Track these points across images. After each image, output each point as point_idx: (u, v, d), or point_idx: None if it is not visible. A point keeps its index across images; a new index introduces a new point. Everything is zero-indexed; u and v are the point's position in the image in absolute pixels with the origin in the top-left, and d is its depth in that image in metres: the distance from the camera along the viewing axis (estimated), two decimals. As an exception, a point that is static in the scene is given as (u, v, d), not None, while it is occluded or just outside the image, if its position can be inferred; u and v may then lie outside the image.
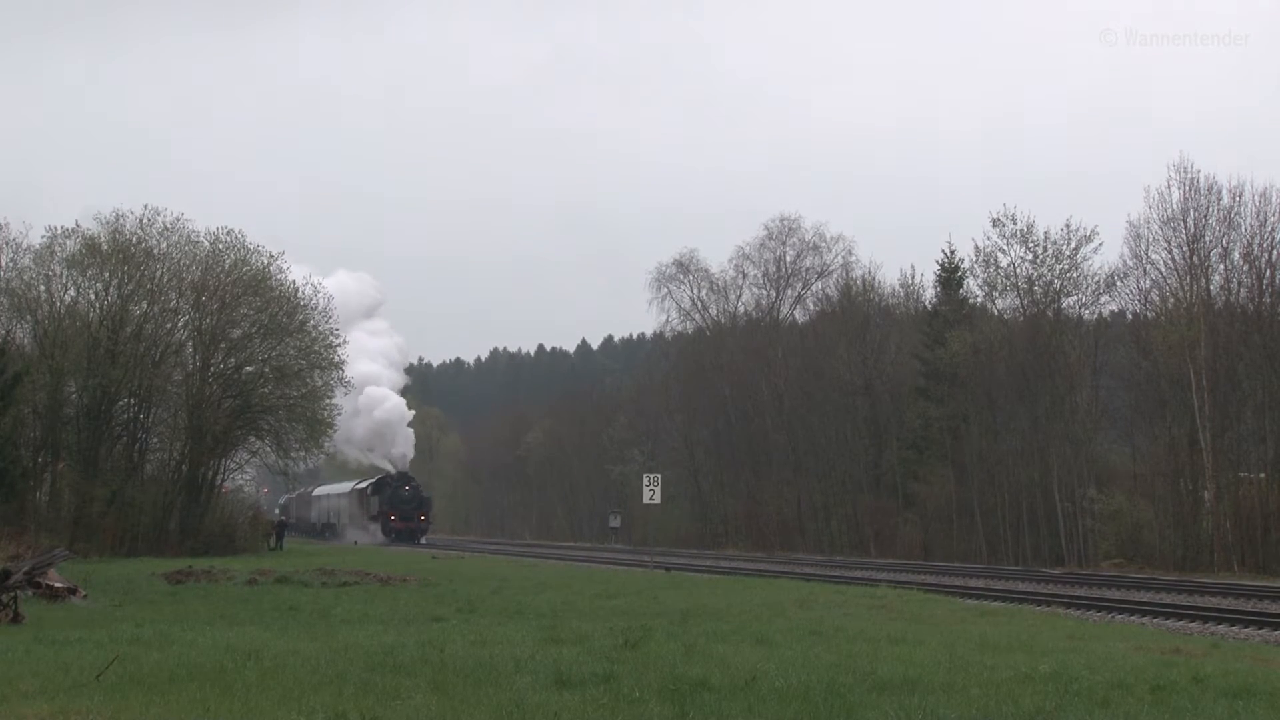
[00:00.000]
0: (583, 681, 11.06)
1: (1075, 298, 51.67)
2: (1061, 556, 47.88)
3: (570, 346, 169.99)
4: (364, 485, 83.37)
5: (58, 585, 21.24)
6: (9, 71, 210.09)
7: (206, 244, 51.24)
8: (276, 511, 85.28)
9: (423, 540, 74.90)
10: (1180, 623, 21.54)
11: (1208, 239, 44.42)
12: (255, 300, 51.56)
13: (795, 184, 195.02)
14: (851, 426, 64.34)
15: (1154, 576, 36.44)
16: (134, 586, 25.92)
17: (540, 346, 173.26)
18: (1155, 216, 45.02)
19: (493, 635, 15.30)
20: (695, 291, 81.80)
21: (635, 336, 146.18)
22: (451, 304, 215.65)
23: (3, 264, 48.13)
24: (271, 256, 52.43)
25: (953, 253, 59.89)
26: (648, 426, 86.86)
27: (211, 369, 51.84)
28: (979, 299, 57.65)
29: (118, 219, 49.78)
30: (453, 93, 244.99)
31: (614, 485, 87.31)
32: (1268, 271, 43.51)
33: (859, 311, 66.02)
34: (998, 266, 53.01)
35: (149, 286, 49.56)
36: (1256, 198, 43.38)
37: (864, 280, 69.73)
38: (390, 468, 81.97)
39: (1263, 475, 42.78)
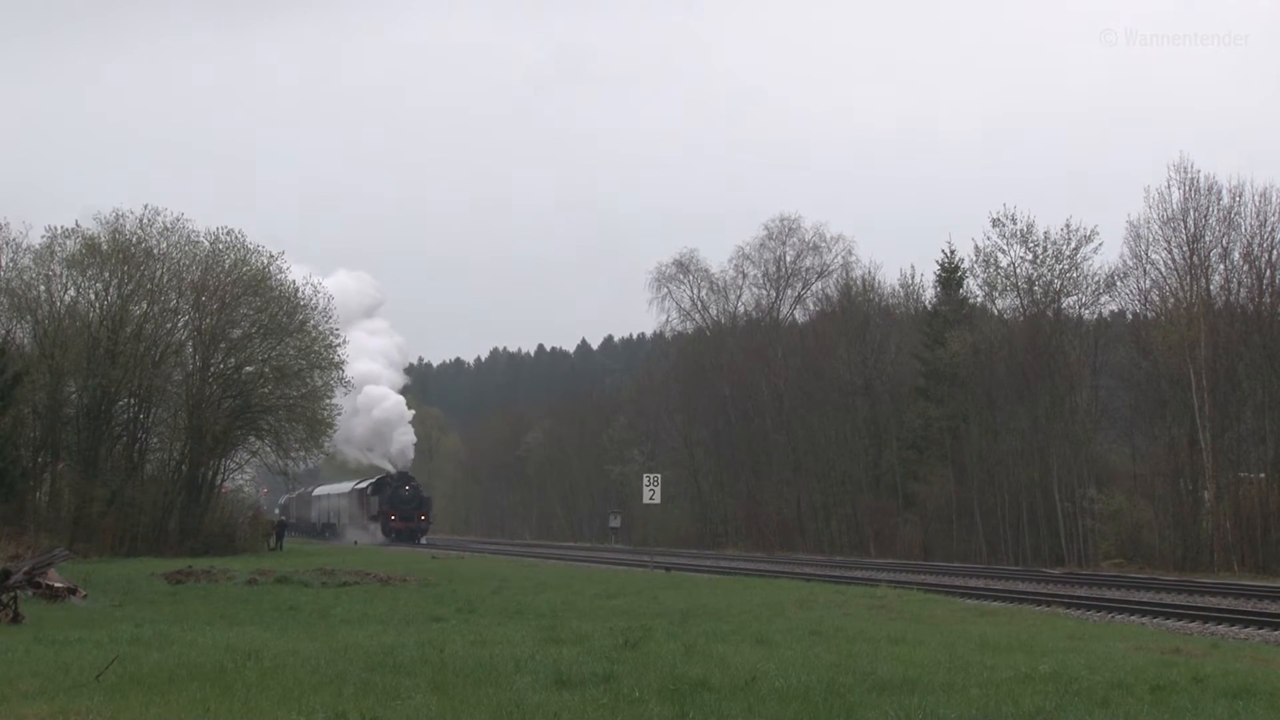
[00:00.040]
0: (583, 681, 11.06)
1: (1075, 298, 51.79)
2: (1061, 556, 47.88)
3: (570, 346, 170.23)
4: (364, 485, 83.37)
5: (58, 585, 21.23)
6: (9, 71, 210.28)
7: (206, 244, 51.32)
8: (276, 511, 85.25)
9: (423, 540, 74.89)
10: (1180, 623, 21.53)
11: (1208, 239, 44.48)
12: (255, 300, 51.56)
13: (795, 184, 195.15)
14: (851, 426, 64.34)
15: (1154, 576, 36.44)
16: (134, 586, 25.92)
17: (540, 346, 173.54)
18: (1155, 216, 45.10)
19: (493, 635, 15.30)
20: (695, 291, 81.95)
21: (635, 336, 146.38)
22: (451, 304, 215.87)
23: (3, 264, 48.18)
24: (271, 256, 52.54)
25: (953, 253, 60.01)
26: (648, 426, 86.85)
27: (211, 369, 51.84)
28: (979, 299, 57.74)
29: (118, 219, 49.87)
30: (453, 93, 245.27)
31: (614, 485, 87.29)
32: (1268, 271, 43.54)
33: (859, 311, 66.02)
34: (998, 266, 53.10)
35: (149, 286, 49.55)
36: (1256, 198, 43.48)
37: (864, 280, 69.85)
38: (390, 467, 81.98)
39: (1263, 475, 42.78)
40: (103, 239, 49.05)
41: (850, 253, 74.95)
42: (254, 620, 18.00)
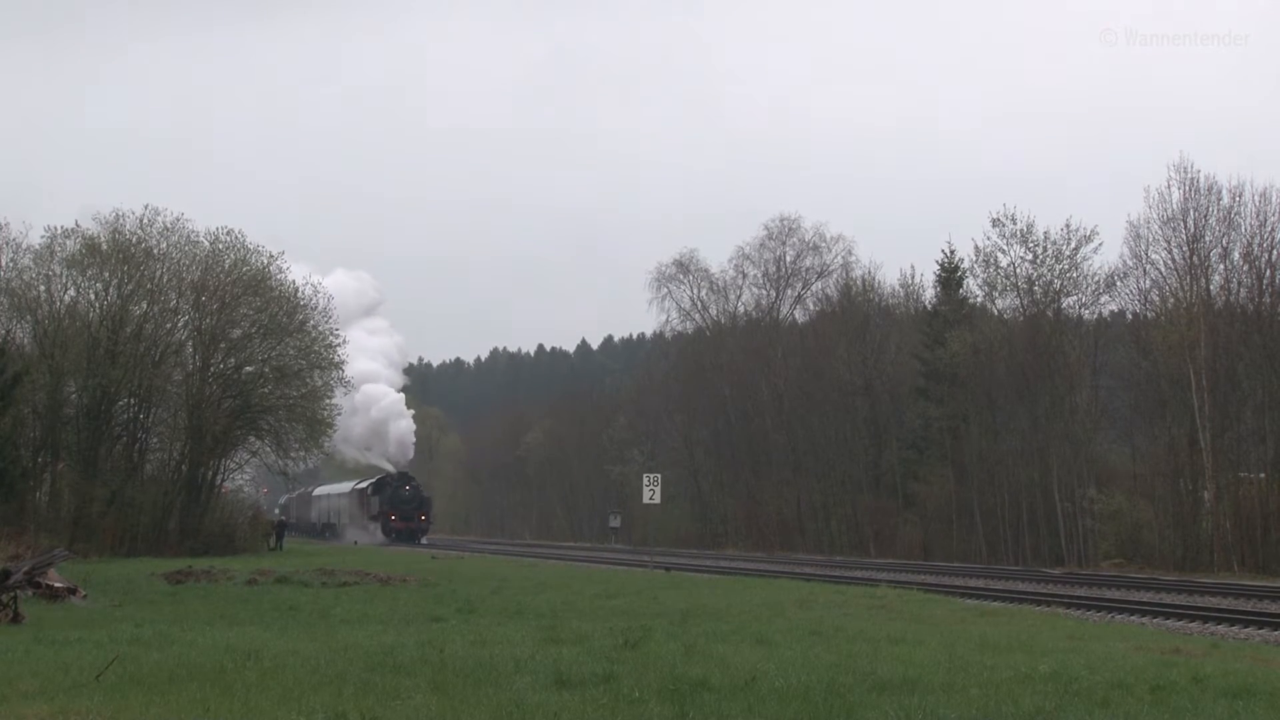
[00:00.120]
0: (583, 681, 11.06)
1: (1075, 298, 51.81)
2: (1061, 556, 47.88)
3: (570, 346, 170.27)
4: (364, 485, 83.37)
5: (58, 585, 21.23)
6: (9, 71, 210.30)
7: (206, 244, 51.30)
8: (276, 511, 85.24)
9: (423, 540, 74.89)
10: (1180, 623, 21.53)
11: (1208, 239, 44.49)
12: (255, 300, 51.55)
13: (795, 184, 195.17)
14: (851, 426, 64.35)
15: (1154, 576, 36.44)
16: (134, 586, 25.91)
17: (540, 346, 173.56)
18: (1155, 216, 45.12)
19: (492, 635, 15.30)
20: (695, 291, 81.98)
21: (635, 336, 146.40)
22: (451, 304, 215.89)
23: (3, 264, 48.15)
24: (271, 256, 52.52)
25: (953, 253, 60.02)
26: (648, 426, 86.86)
27: (211, 369, 51.83)
28: (979, 299, 57.75)
29: (118, 219, 49.84)
30: (453, 92, 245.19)
31: (614, 485, 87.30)
32: (1268, 271, 43.54)
33: (859, 311, 66.04)
34: (998, 266, 53.10)
35: (149, 286, 49.54)
36: (1256, 198, 43.49)
37: (864, 280, 69.86)
38: (389, 467, 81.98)
39: (1263, 475, 42.78)
40: (103, 239, 49.05)
41: (850, 253, 75.11)
42: (254, 620, 18.00)
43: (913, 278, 68.60)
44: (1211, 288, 45.04)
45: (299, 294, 53.12)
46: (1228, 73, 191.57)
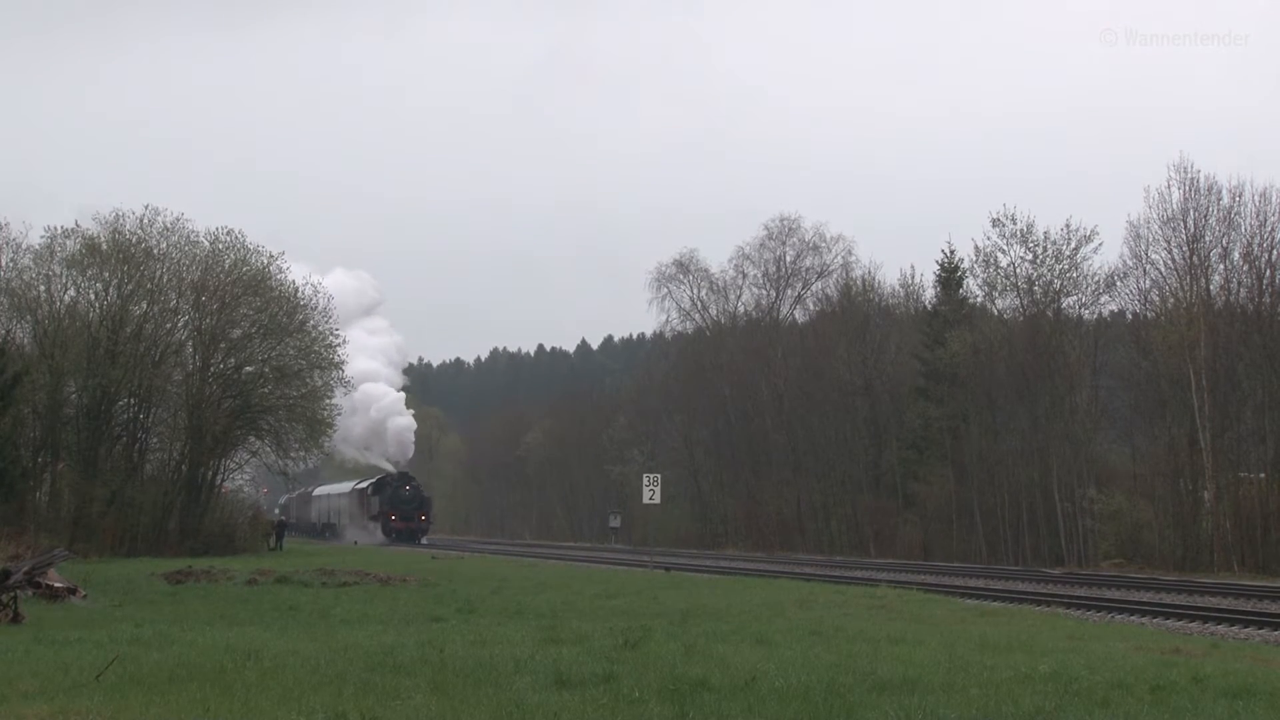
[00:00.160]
0: (583, 682, 11.06)
1: (1075, 298, 51.81)
2: (1061, 556, 47.88)
3: (570, 346, 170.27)
4: (364, 485, 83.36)
5: (57, 585, 21.23)
6: (9, 71, 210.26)
7: (206, 244, 51.29)
8: (276, 511, 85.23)
9: (423, 540, 74.88)
10: (1180, 623, 21.53)
11: (1208, 239, 44.49)
12: (255, 300, 51.54)
13: (795, 184, 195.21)
14: (851, 426, 64.35)
15: (1154, 576, 36.43)
16: (134, 586, 25.92)
17: (540, 346, 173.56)
18: (1155, 216, 45.11)
19: (492, 635, 15.30)
20: (695, 291, 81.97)
21: (635, 336, 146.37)
22: (451, 304, 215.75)
23: (3, 264, 48.13)
24: (271, 256, 52.51)
25: (952, 253, 60.02)
26: (648, 426, 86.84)
27: (211, 369, 51.83)
28: (979, 299, 57.75)
29: (118, 219, 49.82)
30: (453, 93, 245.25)
31: (614, 485, 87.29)
32: (1268, 271, 43.54)
33: (859, 311, 66.03)
34: (998, 266, 53.11)
35: (149, 286, 49.53)
36: (1256, 198, 43.48)
37: (864, 280, 69.86)
38: (389, 466, 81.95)
39: (1263, 475, 42.78)
40: (103, 239, 49.04)
41: (850, 253, 75.09)
42: (254, 620, 18.00)
43: (913, 278, 68.70)
44: (1211, 288, 45.07)
45: (299, 294, 53.16)
46: (1228, 73, 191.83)
